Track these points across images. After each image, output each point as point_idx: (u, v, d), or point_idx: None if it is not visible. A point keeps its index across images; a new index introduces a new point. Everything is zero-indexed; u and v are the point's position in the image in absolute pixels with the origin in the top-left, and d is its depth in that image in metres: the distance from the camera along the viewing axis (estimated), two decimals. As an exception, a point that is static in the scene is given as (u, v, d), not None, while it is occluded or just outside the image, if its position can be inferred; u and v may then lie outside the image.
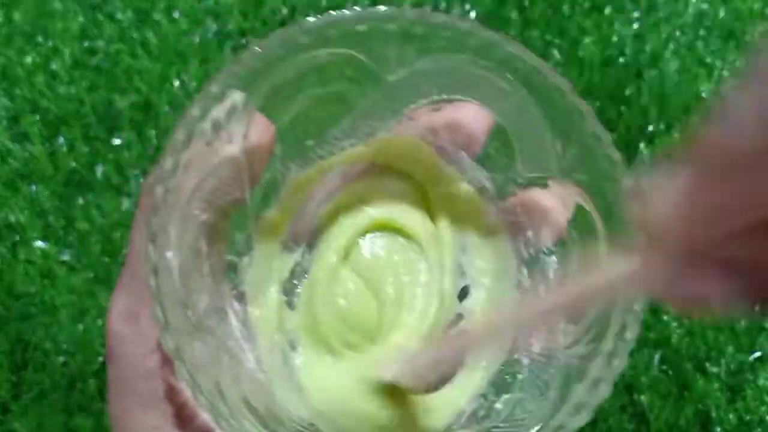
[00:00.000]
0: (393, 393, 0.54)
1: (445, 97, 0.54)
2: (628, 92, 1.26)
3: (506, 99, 0.52)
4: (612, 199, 0.49)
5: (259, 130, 0.50)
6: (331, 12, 0.50)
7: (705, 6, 1.31)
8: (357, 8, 0.51)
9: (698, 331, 1.15)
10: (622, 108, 1.24)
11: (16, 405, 1.13)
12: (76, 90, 1.26)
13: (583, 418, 0.45)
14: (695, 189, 0.33)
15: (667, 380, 1.14)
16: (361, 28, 0.50)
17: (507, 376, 0.53)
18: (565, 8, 1.30)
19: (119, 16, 1.31)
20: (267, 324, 0.55)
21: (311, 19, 0.50)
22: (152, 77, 1.27)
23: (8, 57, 1.28)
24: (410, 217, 0.57)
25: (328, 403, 0.54)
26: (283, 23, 1.30)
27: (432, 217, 0.57)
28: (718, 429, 1.12)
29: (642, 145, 1.23)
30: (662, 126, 1.23)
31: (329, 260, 0.56)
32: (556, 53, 1.29)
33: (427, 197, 0.58)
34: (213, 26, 1.31)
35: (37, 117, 1.25)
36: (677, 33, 1.30)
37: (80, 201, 1.21)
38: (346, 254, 0.57)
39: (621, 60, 1.28)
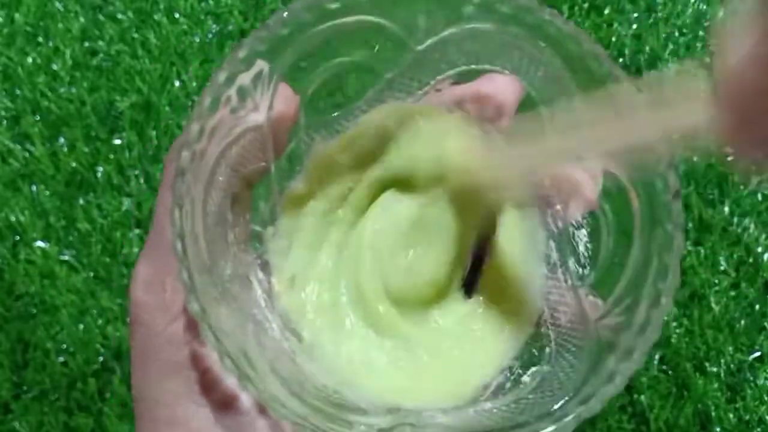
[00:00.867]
0: (416, 362, 0.55)
1: (473, 66, 0.54)
2: (627, 92, 1.25)
3: (537, 68, 0.51)
4: (646, 167, 0.48)
5: (284, 99, 0.50)
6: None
7: (704, 7, 1.31)
8: None
9: (698, 331, 1.15)
10: (622, 108, 1.24)
11: (16, 405, 1.13)
12: (77, 90, 1.26)
13: (616, 388, 0.45)
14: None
15: (666, 380, 1.14)
16: None
17: (534, 350, 0.54)
18: (565, 9, 1.30)
19: (120, 16, 1.31)
20: (289, 294, 0.55)
21: None
22: (153, 78, 1.27)
23: (9, 57, 1.28)
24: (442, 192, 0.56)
25: (353, 372, 0.54)
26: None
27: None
28: (718, 429, 1.12)
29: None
30: (661, 126, 1.23)
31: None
32: (555, 54, 1.28)
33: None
34: (213, 27, 1.31)
35: (38, 117, 1.25)
36: (676, 34, 1.30)
37: (81, 201, 1.21)
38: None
39: (620, 60, 1.28)
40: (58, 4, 1.31)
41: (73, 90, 1.26)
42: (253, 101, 0.49)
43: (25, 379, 1.14)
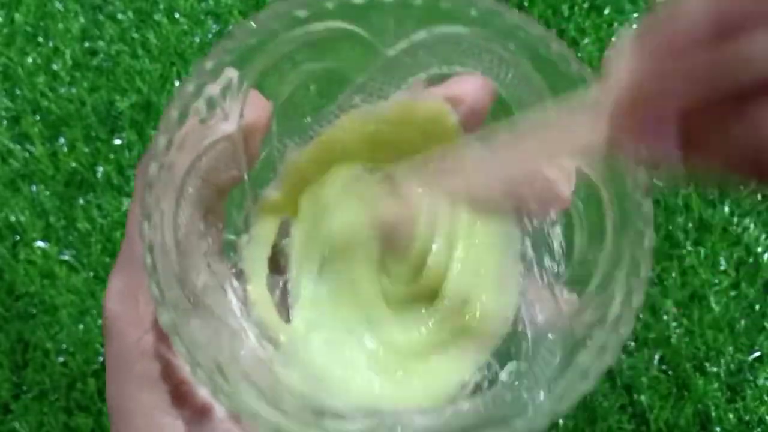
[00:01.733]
0: (394, 363, 0.54)
1: (445, 69, 0.54)
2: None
3: (508, 69, 0.52)
4: (616, 165, 0.48)
5: (255, 107, 0.50)
6: (327, -16, 0.50)
7: (704, 6, 1.31)
8: None
9: (698, 331, 1.15)
10: (622, 108, 1.24)
11: (16, 405, 1.13)
12: (77, 90, 1.26)
13: (589, 385, 0.45)
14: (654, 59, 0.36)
15: (666, 380, 1.14)
16: (360, 0, 0.49)
17: (512, 347, 0.54)
18: (564, 9, 1.30)
19: (120, 16, 1.31)
20: (265, 302, 0.55)
21: None
22: (153, 78, 1.27)
23: (9, 57, 1.29)
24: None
25: (331, 377, 0.54)
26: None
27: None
28: (718, 429, 1.12)
29: (641, 146, 1.23)
30: (661, 126, 1.23)
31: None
32: (555, 54, 1.28)
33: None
34: (213, 27, 1.31)
35: (38, 117, 1.25)
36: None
37: (81, 201, 1.21)
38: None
39: (620, 60, 1.28)
40: (58, 4, 1.31)
41: (73, 90, 1.26)
42: (223, 111, 0.49)
43: (25, 379, 1.14)
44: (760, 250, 1.19)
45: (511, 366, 0.53)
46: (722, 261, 1.19)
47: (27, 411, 1.13)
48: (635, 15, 1.31)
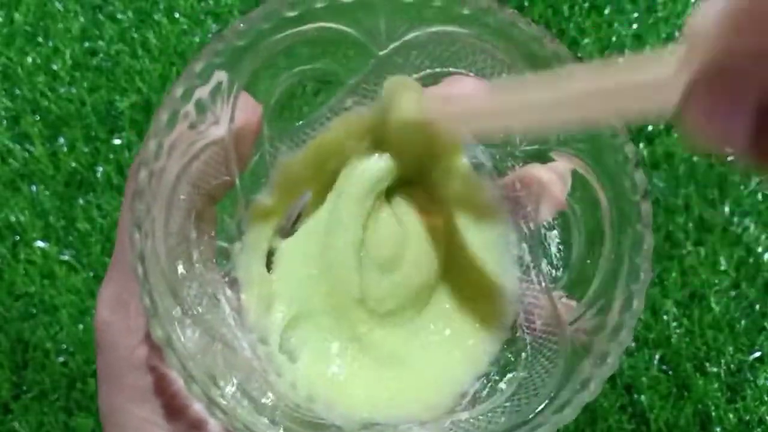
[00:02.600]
0: (389, 374, 0.53)
1: (437, 70, 0.53)
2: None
3: (502, 68, 0.51)
4: (613, 167, 0.48)
5: (246, 110, 0.49)
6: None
7: (704, 6, 1.31)
8: None
9: (698, 331, 1.15)
10: (622, 108, 1.24)
11: (16, 405, 1.13)
12: (77, 90, 1.26)
13: (591, 394, 0.45)
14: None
15: (666, 380, 1.14)
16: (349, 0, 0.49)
17: (510, 355, 0.53)
18: (565, 9, 1.30)
19: (120, 16, 1.31)
20: (260, 310, 0.53)
21: None
22: (153, 78, 1.27)
23: (9, 57, 1.29)
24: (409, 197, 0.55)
25: (329, 388, 0.53)
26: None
27: (431, 192, 0.56)
28: (718, 429, 1.12)
29: (641, 145, 1.23)
30: (661, 126, 1.23)
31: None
32: (555, 53, 1.28)
33: (423, 174, 0.55)
34: (213, 27, 1.31)
35: (38, 117, 1.25)
36: (676, 33, 1.30)
37: (81, 201, 1.21)
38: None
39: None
40: (57, 4, 1.31)
41: (73, 90, 1.26)
42: (213, 115, 0.47)
43: (25, 379, 1.14)
44: (760, 250, 1.19)
45: (510, 375, 0.52)
46: (722, 261, 1.19)
47: (27, 411, 1.13)
48: (635, 15, 1.31)
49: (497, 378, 0.52)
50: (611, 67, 0.40)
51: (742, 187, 1.21)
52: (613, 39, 1.29)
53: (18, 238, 1.19)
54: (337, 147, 0.54)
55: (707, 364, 1.15)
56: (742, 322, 1.16)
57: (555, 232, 0.53)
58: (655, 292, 1.17)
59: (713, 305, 1.16)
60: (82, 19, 1.30)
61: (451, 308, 0.55)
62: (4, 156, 1.23)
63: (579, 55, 1.28)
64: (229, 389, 0.45)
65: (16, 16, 1.30)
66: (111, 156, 1.22)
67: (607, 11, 1.30)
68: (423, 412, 0.52)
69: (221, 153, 0.49)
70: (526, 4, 1.30)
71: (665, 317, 1.16)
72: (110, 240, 1.18)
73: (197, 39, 1.29)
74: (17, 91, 1.26)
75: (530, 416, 0.46)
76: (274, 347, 0.53)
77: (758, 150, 0.34)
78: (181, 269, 0.47)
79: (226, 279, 0.53)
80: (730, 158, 0.39)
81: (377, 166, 0.54)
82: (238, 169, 0.51)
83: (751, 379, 1.14)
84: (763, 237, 1.19)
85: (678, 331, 1.15)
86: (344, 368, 0.53)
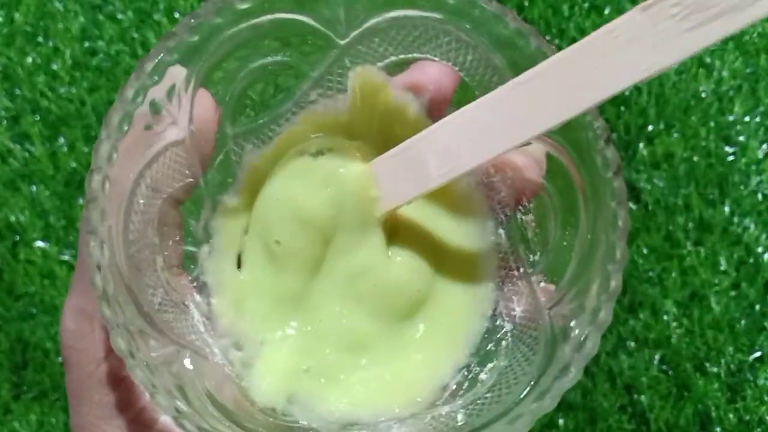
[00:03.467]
0: (366, 370, 0.53)
1: (402, 56, 0.52)
2: (626, 92, 1.25)
3: (467, 51, 0.50)
4: (585, 145, 0.47)
5: (202, 108, 0.48)
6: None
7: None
8: None
9: (698, 331, 1.15)
10: (622, 108, 1.24)
11: (16, 405, 1.13)
12: (77, 90, 1.26)
13: (571, 379, 0.44)
14: None
15: (666, 380, 1.14)
16: None
17: (491, 345, 0.52)
18: (565, 9, 1.29)
19: (120, 16, 1.31)
20: (232, 314, 0.52)
21: None
22: (153, 78, 1.27)
23: (9, 57, 1.28)
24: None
25: (307, 389, 0.52)
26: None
27: None
28: (718, 429, 1.12)
29: (641, 145, 1.23)
30: (661, 126, 1.23)
31: None
32: (555, 54, 1.28)
33: None
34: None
35: (38, 117, 1.25)
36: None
37: (80, 201, 1.20)
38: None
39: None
40: (57, 4, 1.31)
41: (73, 90, 1.26)
42: (170, 115, 0.46)
43: (25, 379, 1.14)
44: (760, 250, 1.19)
45: (491, 365, 0.51)
46: (722, 261, 1.18)
47: (27, 411, 1.13)
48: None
49: (478, 369, 0.52)
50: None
51: (742, 187, 1.21)
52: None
53: (18, 238, 1.19)
54: (304, 142, 0.53)
55: (707, 364, 1.14)
56: (742, 322, 1.16)
57: (531, 216, 0.53)
58: (655, 292, 1.17)
59: (713, 305, 1.16)
60: (82, 19, 1.30)
61: (426, 297, 0.54)
62: (4, 156, 1.23)
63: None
64: (199, 398, 0.44)
65: (16, 16, 1.30)
66: (111, 156, 1.22)
67: (607, 11, 1.30)
68: (403, 408, 0.51)
69: (182, 154, 0.48)
70: (526, 4, 1.30)
71: (665, 317, 1.16)
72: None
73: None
74: (17, 91, 1.26)
75: (511, 406, 0.45)
76: (249, 351, 0.52)
77: None
78: (143, 278, 0.46)
79: (195, 284, 0.51)
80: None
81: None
82: (202, 170, 0.50)
83: (751, 379, 1.14)
84: (763, 237, 1.19)
85: (678, 331, 1.15)
86: (321, 368, 0.52)
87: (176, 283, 0.49)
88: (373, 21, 0.50)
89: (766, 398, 1.13)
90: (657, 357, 1.15)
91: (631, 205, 1.21)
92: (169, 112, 0.46)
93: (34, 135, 1.23)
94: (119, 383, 0.46)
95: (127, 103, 0.44)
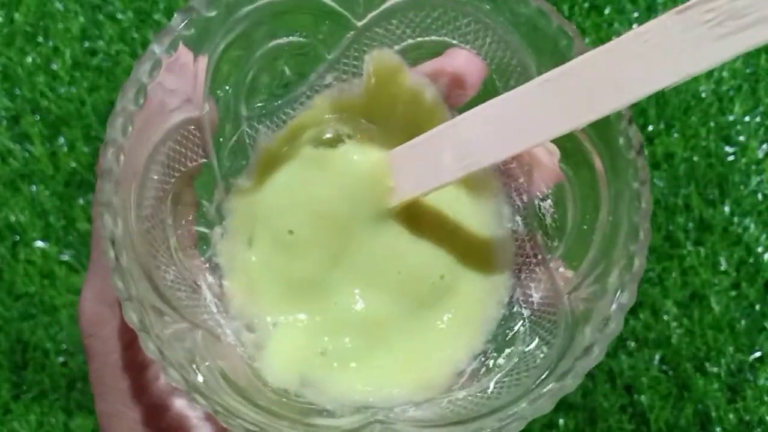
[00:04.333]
0: (380, 354, 0.53)
1: (420, 39, 0.51)
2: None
3: (486, 33, 0.49)
4: (606, 126, 0.46)
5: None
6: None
7: (705, 6, 1.31)
8: None
9: (698, 331, 1.15)
10: (622, 108, 1.24)
11: (16, 405, 1.13)
12: (77, 90, 1.26)
13: (594, 359, 0.44)
14: None
15: (667, 380, 1.14)
16: None
17: (508, 331, 0.52)
18: (565, 8, 1.29)
19: (120, 16, 1.30)
20: (246, 296, 0.52)
21: None
22: (153, 78, 1.27)
23: (9, 57, 1.28)
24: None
25: (322, 372, 0.52)
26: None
27: None
28: (718, 429, 1.12)
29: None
30: (662, 126, 1.23)
31: None
32: (555, 54, 1.28)
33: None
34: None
35: (38, 117, 1.25)
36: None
37: (80, 201, 1.20)
38: None
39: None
40: (57, 4, 1.31)
41: (73, 90, 1.26)
42: (185, 92, 0.46)
43: (25, 380, 1.14)
44: (760, 250, 1.19)
45: (508, 350, 0.51)
46: (722, 261, 1.18)
47: (27, 411, 1.13)
48: (635, 15, 1.30)
49: (495, 355, 0.52)
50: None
51: (742, 187, 1.21)
52: (614, 39, 1.28)
53: (18, 238, 1.19)
54: (319, 126, 0.53)
55: (707, 364, 1.14)
56: (743, 322, 1.16)
57: (549, 202, 0.52)
58: (655, 292, 1.17)
59: (713, 305, 1.16)
60: (82, 19, 1.30)
61: (442, 285, 0.54)
62: (4, 156, 1.23)
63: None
64: (212, 374, 0.44)
65: (16, 16, 1.30)
66: (111, 156, 1.22)
67: (607, 11, 1.30)
68: (418, 392, 0.51)
69: (196, 133, 0.48)
70: (526, 4, 1.30)
71: (665, 317, 1.16)
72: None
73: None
74: (17, 91, 1.26)
75: (531, 387, 0.45)
76: (261, 334, 0.52)
77: None
78: (156, 254, 0.46)
79: (207, 265, 0.51)
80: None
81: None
82: (215, 150, 0.50)
83: (751, 379, 1.14)
84: (763, 237, 1.19)
85: (678, 331, 1.15)
86: (335, 351, 0.52)
87: (189, 263, 0.49)
88: (392, 1, 0.49)
89: (766, 398, 1.13)
90: (657, 357, 1.15)
91: (632, 205, 1.21)
92: (184, 89, 0.46)
93: (34, 135, 1.23)
94: (144, 370, 0.46)
95: (142, 78, 0.43)
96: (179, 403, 0.46)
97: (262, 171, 0.53)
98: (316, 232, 0.53)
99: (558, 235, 0.52)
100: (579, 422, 1.13)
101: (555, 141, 0.50)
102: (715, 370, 1.14)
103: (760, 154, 1.23)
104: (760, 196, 1.21)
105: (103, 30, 1.30)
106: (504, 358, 0.51)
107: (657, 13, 1.29)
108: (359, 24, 0.50)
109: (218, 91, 0.49)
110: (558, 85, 0.44)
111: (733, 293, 1.17)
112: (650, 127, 1.23)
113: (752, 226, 1.19)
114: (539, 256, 0.53)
